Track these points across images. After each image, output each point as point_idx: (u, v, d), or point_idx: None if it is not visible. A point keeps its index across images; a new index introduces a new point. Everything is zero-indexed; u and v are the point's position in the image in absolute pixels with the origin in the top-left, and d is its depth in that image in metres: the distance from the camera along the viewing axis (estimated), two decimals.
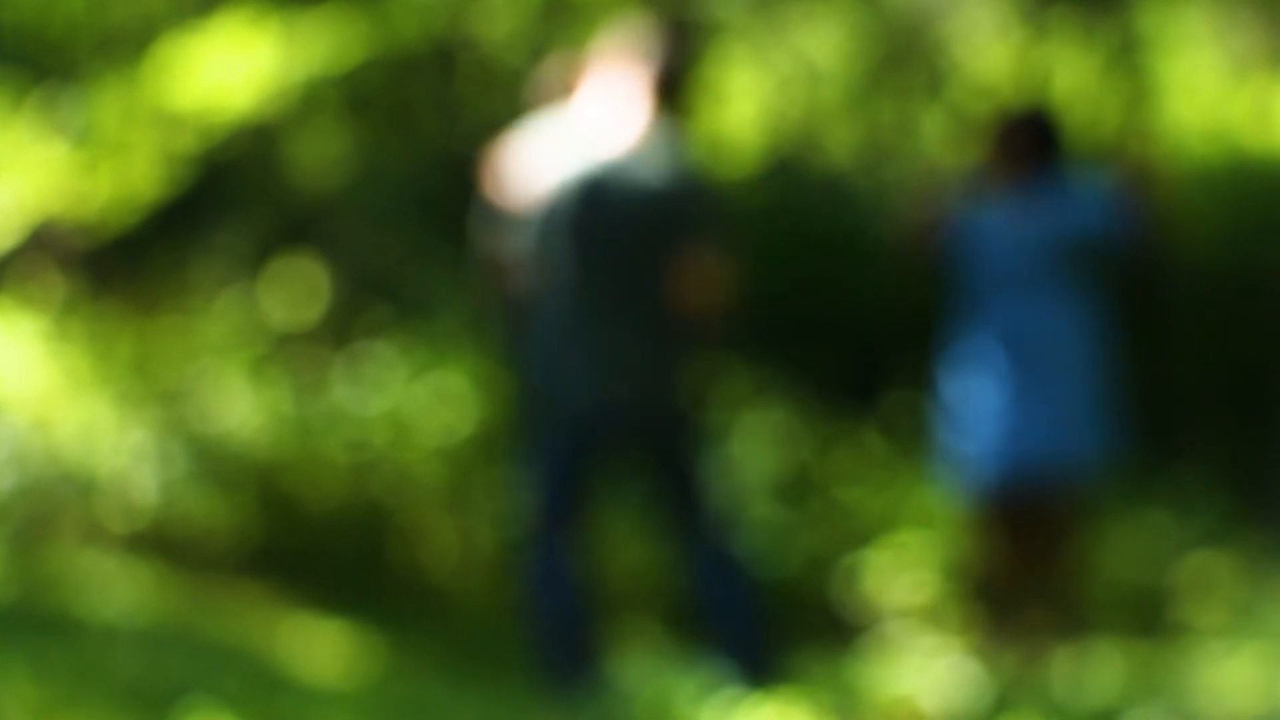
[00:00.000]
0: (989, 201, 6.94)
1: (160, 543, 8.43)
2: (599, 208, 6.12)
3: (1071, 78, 12.91)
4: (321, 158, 14.10)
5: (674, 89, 6.05)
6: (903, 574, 5.56)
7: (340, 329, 10.35)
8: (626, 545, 8.26)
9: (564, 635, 6.20)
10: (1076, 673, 6.61)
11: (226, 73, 8.48)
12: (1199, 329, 11.53)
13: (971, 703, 5.49)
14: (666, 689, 4.48)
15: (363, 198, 13.78)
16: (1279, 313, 11.39)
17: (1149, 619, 7.90)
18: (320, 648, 7.48)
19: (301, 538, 8.49)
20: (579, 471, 6.36)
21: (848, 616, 8.21)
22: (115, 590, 7.62)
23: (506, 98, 10.02)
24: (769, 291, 13.56)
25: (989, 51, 11.87)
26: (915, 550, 8.16)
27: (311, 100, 12.09)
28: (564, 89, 6.36)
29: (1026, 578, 6.93)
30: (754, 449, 8.74)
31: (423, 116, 15.38)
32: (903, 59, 11.81)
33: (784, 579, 8.17)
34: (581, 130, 6.12)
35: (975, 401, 6.78)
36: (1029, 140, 6.83)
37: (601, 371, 6.22)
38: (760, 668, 5.82)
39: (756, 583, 6.22)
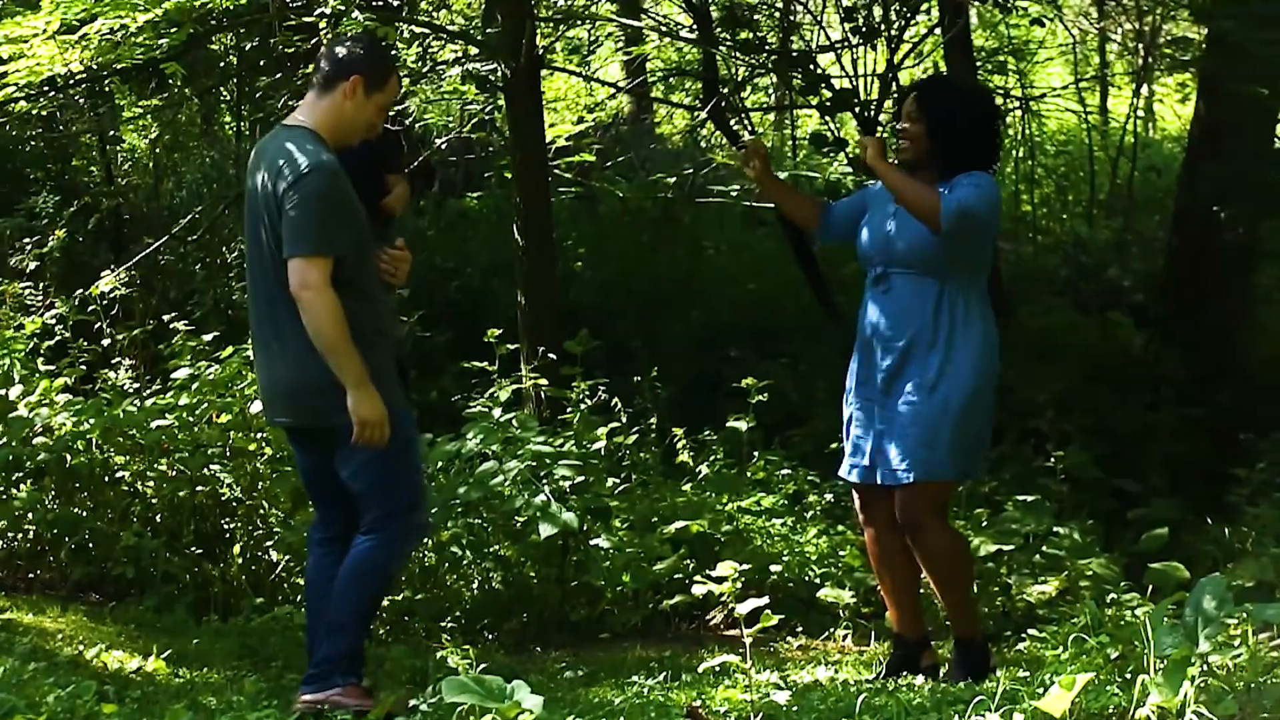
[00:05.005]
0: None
1: None
2: (248, 191, 5.88)
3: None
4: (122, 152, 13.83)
5: (324, 86, 5.82)
6: (744, 585, 5.41)
7: (133, 325, 10.12)
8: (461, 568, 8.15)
9: (311, 621, 6.02)
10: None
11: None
12: None
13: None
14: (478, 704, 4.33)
15: (162, 196, 13.53)
16: None
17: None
18: (103, 638, 7.22)
19: (96, 538, 8.23)
20: (304, 465, 6.16)
21: (697, 629, 8.08)
22: None
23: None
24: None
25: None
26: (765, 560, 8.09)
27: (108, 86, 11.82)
28: None
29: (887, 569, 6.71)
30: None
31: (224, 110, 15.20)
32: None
33: (633, 591, 8.10)
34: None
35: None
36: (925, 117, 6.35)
37: (260, 364, 5.97)
38: (338, 644, 5.81)
39: (358, 587, 5.87)
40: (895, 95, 11.84)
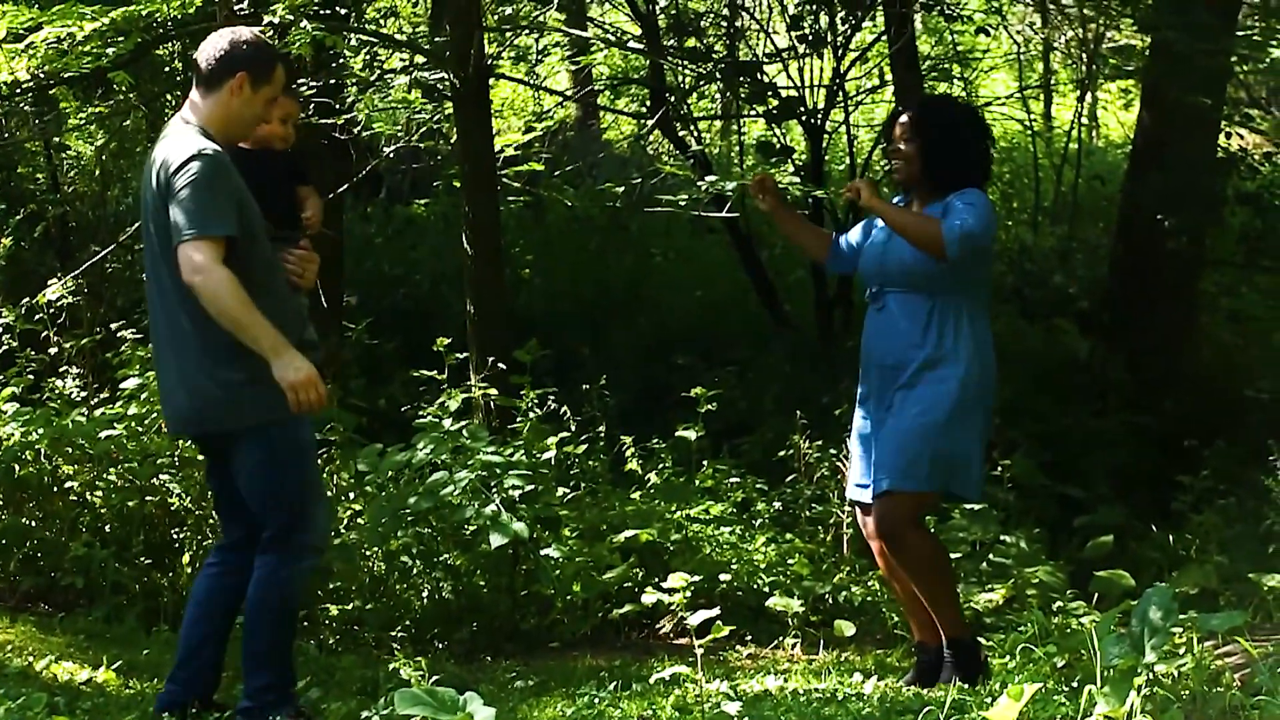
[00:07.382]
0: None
1: None
2: (143, 206, 5.79)
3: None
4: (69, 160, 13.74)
5: (209, 84, 5.74)
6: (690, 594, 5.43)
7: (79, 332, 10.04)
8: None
9: (185, 630, 6.00)
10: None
11: None
12: None
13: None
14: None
15: (109, 203, 13.44)
16: None
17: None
18: (53, 649, 7.18)
19: (45, 549, 8.21)
20: (211, 478, 6.07)
21: (646, 638, 8.07)
22: None
23: None
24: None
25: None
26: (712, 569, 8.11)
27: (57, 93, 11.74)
28: None
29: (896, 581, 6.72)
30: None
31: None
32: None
33: (583, 601, 8.10)
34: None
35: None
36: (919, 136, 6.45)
37: (162, 380, 5.87)
38: (263, 675, 5.79)
39: (265, 614, 5.81)
40: (841, 103, 11.91)
